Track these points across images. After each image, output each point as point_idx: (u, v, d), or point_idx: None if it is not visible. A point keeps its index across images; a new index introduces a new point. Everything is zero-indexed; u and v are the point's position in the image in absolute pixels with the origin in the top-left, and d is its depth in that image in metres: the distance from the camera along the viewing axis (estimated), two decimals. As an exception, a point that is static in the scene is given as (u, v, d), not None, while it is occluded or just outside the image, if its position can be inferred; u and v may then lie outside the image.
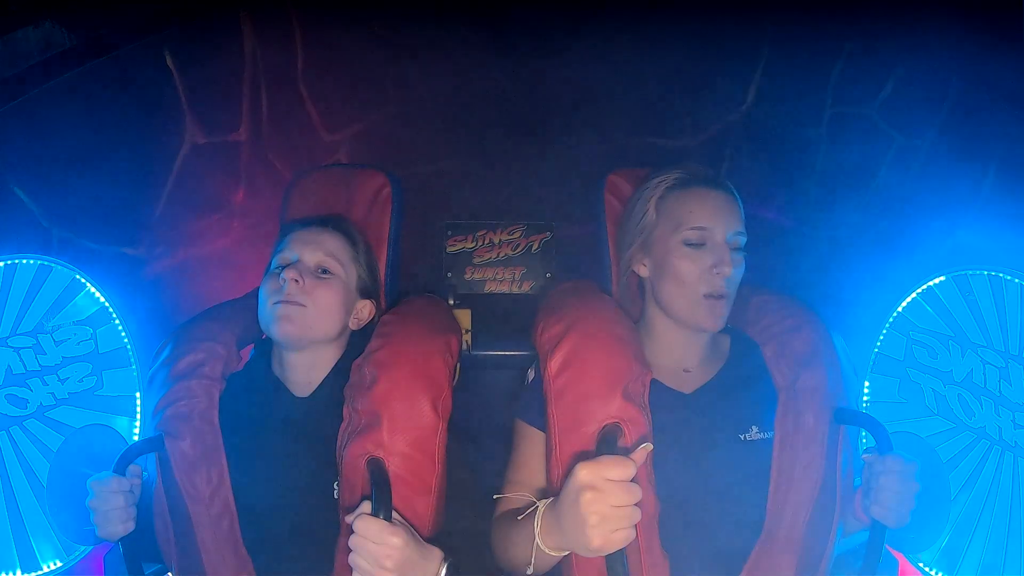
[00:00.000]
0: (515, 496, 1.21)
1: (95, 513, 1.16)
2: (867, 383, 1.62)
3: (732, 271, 1.20)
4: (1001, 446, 1.40)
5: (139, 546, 1.18)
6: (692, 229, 1.21)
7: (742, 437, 1.19)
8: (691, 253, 1.21)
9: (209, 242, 2.06)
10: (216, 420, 1.23)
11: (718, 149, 2.16)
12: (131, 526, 1.16)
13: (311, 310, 1.25)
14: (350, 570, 1.10)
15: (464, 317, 2.00)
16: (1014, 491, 1.38)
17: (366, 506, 1.04)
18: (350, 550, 1.01)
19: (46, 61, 1.59)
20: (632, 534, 0.94)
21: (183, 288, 1.99)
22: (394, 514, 1.04)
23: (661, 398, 1.19)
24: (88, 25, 1.64)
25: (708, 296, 1.20)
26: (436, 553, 1.06)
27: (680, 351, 1.28)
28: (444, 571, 1.05)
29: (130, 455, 1.18)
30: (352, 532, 1.01)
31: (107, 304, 1.61)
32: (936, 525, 1.28)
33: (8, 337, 1.52)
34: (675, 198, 1.25)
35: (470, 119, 2.18)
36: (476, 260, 2.20)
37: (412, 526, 1.07)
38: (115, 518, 1.15)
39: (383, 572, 0.99)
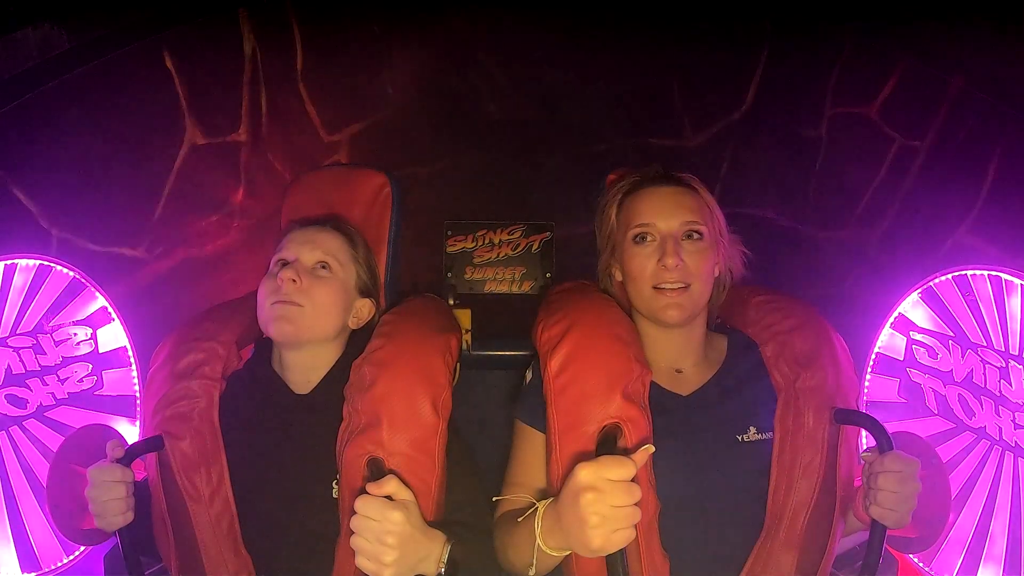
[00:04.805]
0: (515, 497, 1.21)
1: (93, 503, 1.14)
2: (867, 383, 1.62)
3: (677, 261, 1.19)
4: (1001, 446, 1.40)
5: (137, 539, 1.17)
6: (636, 227, 1.24)
7: (740, 438, 1.18)
8: (639, 250, 1.24)
9: (209, 242, 2.06)
10: (216, 420, 1.23)
11: (718, 149, 2.16)
12: (130, 517, 1.15)
13: (308, 310, 1.24)
14: (350, 570, 1.11)
15: (464, 317, 2.00)
16: (1014, 491, 1.38)
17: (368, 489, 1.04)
18: (352, 532, 1.01)
19: (45, 62, 1.58)
20: (632, 534, 0.94)
21: (183, 288, 1.99)
22: (404, 492, 1.05)
23: (659, 400, 1.19)
24: (87, 26, 1.63)
25: (657, 288, 1.21)
26: (439, 535, 1.07)
27: (667, 350, 1.28)
28: (446, 553, 1.06)
29: (130, 455, 1.17)
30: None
31: (107, 304, 1.61)
32: (936, 525, 1.28)
33: (8, 337, 1.52)
34: (629, 202, 1.28)
35: (470, 119, 2.18)
36: (476, 260, 2.20)
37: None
38: (114, 508, 1.13)
39: (384, 549, 1.00)
